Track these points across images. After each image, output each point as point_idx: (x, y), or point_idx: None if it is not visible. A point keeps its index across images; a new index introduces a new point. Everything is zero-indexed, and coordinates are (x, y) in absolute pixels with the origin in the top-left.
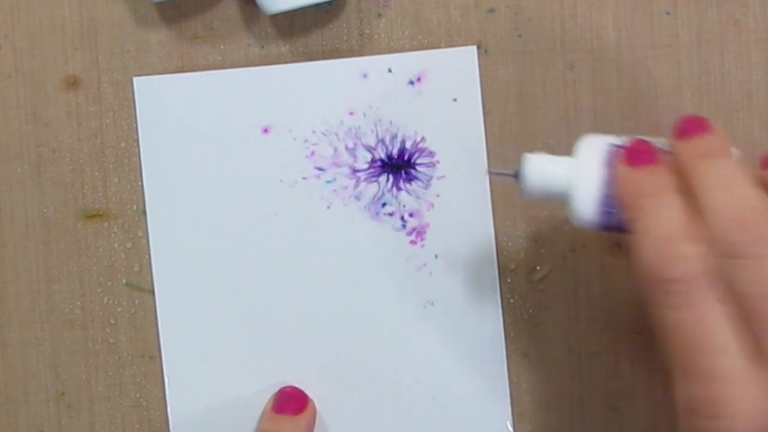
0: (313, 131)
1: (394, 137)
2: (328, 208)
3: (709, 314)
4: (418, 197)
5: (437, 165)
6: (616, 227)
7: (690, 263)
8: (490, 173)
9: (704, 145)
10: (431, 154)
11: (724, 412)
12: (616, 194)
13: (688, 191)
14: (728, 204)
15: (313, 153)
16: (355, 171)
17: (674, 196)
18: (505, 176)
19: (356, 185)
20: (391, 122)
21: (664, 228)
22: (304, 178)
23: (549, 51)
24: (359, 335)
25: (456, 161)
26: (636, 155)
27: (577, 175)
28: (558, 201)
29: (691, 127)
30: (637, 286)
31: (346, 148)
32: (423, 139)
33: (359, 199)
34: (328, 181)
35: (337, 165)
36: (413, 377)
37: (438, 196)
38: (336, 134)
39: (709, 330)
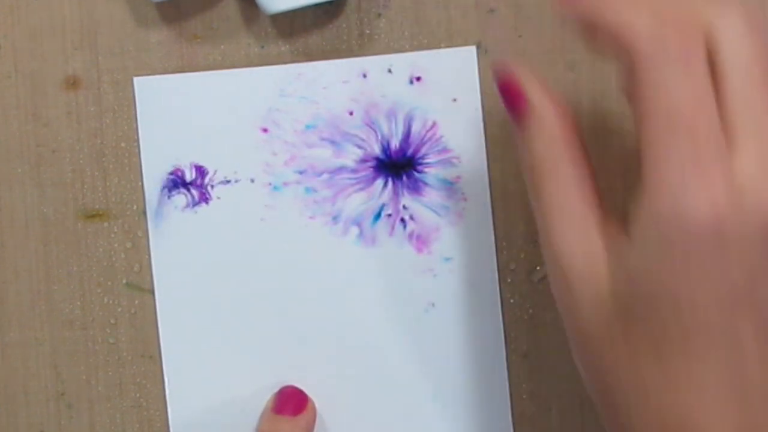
0: (312, 131)
1: (393, 129)
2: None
3: (706, 89)
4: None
5: (456, 161)
6: None
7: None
8: None
9: None
10: (446, 150)
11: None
12: None
13: None
14: None
15: (312, 152)
16: (353, 171)
17: None
18: None
19: (354, 185)
20: (389, 116)
21: None
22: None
23: (549, 51)
24: (360, 335)
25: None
26: None
27: None
28: None
29: None
30: None
31: (341, 147)
32: (434, 125)
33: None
34: (325, 182)
35: (336, 164)
36: (413, 377)
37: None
38: (333, 134)
39: (701, 102)
